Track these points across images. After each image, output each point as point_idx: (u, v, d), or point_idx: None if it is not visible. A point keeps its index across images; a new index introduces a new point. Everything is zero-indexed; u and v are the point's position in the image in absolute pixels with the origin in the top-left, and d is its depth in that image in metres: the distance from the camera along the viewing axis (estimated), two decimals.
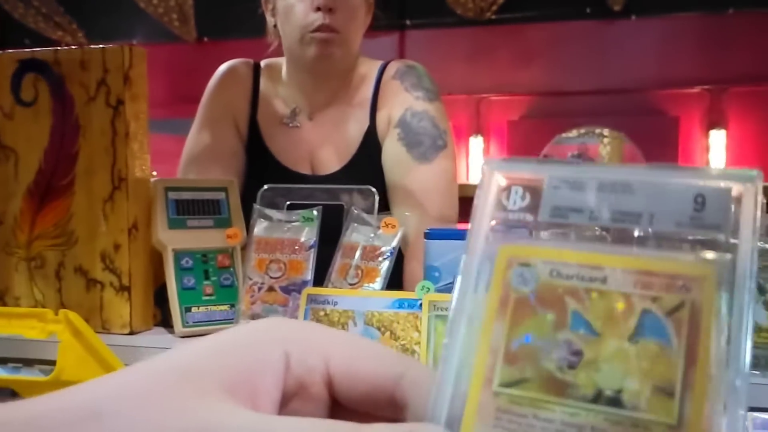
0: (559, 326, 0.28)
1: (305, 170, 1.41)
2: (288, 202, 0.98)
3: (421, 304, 0.80)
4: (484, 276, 0.30)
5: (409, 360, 0.31)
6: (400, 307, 0.82)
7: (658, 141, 4.92)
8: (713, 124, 4.81)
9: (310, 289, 0.88)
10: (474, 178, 5.14)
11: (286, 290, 0.92)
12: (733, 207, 0.27)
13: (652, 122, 4.97)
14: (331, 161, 1.40)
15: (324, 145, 1.41)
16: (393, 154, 1.37)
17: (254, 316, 0.91)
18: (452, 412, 0.27)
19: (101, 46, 0.97)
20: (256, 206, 0.97)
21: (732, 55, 4.71)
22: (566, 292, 0.28)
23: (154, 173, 1.08)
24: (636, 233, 0.29)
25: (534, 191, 0.30)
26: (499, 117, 5.34)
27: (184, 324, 0.95)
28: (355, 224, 0.94)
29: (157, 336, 0.98)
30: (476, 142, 5.40)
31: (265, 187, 0.99)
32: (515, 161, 0.32)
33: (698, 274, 0.27)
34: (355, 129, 1.40)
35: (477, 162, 5.39)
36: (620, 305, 0.27)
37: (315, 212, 0.95)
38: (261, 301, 0.92)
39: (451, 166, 1.36)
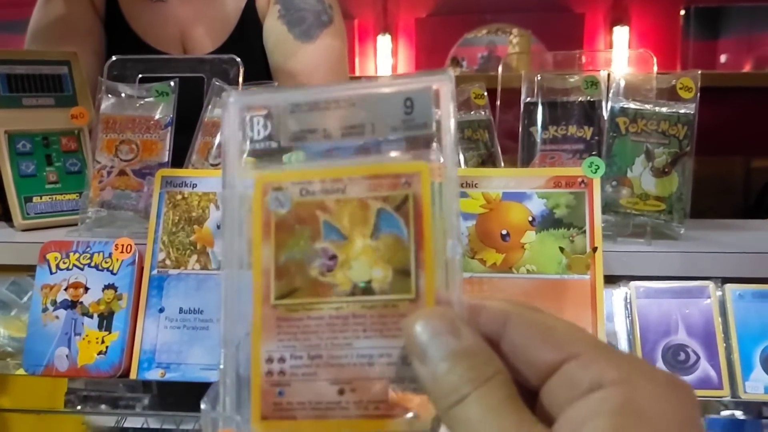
0: (315, 237, 0.32)
1: (176, 51, 1.26)
2: (140, 75, 0.85)
3: None
4: (246, 205, 0.33)
5: None
6: None
7: (564, 38, 4.90)
8: (617, 21, 4.82)
9: (165, 171, 0.78)
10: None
11: (140, 174, 0.82)
12: (433, 104, 0.32)
13: (557, 18, 4.94)
14: (204, 41, 1.26)
15: (196, 23, 1.26)
16: (274, 33, 1.24)
17: (104, 204, 0.81)
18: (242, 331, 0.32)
19: None
20: (102, 80, 0.84)
21: None
22: (316, 207, 0.32)
23: None
24: (362, 143, 0.33)
25: (273, 118, 0.33)
26: (407, 14, 5.17)
27: (25, 216, 0.83)
28: (217, 98, 0.84)
29: None
30: (384, 41, 5.23)
31: (114, 58, 0.86)
32: (250, 93, 0.34)
33: (414, 170, 0.32)
34: (231, 5, 1.26)
35: (385, 62, 5.24)
36: (360, 209, 0.32)
37: (171, 84, 0.84)
38: (111, 186, 0.81)
39: (337, 44, 1.25)
